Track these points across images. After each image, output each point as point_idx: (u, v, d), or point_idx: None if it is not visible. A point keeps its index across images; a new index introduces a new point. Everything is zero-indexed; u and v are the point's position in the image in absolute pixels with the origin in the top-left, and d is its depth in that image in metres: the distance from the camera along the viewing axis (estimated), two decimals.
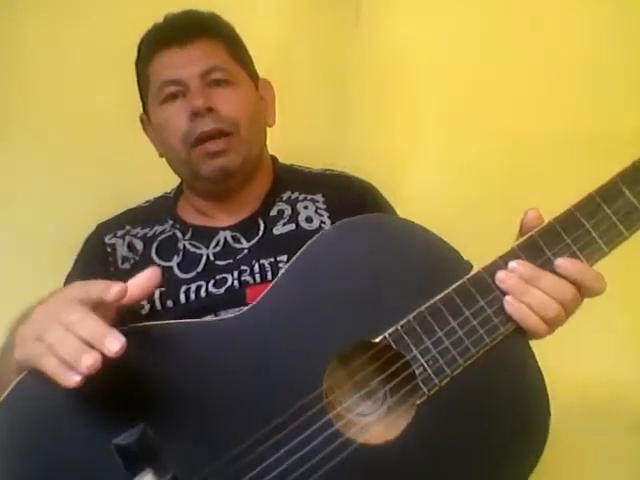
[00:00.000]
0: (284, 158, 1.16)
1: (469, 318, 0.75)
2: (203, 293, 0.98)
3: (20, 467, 0.69)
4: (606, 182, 0.78)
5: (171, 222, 1.07)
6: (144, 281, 0.73)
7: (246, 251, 1.01)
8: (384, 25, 1.38)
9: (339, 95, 1.39)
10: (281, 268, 0.98)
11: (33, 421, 0.70)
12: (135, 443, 0.62)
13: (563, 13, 1.33)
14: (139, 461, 0.62)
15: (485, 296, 0.76)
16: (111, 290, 0.69)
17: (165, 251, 1.03)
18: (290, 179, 1.10)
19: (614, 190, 0.78)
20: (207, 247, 1.02)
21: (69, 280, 1.04)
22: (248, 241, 1.02)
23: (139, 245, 1.04)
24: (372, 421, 0.77)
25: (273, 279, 0.96)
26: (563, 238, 0.77)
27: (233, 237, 1.03)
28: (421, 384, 0.74)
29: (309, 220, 1.03)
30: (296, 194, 1.07)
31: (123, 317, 0.75)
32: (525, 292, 0.75)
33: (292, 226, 1.03)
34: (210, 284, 0.98)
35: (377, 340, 0.75)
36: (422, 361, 0.74)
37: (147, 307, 0.97)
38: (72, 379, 0.65)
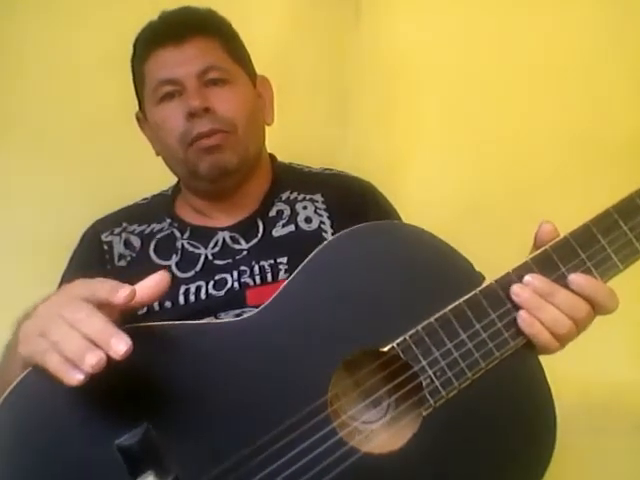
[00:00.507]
0: (284, 158, 1.16)
1: (479, 331, 0.75)
2: (203, 295, 0.97)
3: (21, 465, 0.68)
4: (624, 198, 0.77)
5: (169, 221, 1.06)
6: (153, 285, 0.71)
7: (245, 252, 1.01)
8: (384, 25, 1.38)
9: (339, 95, 1.39)
10: (281, 270, 0.97)
11: (35, 419, 0.69)
12: (137, 444, 0.62)
13: (563, 14, 1.33)
14: (141, 463, 0.62)
15: (496, 309, 0.75)
16: (119, 293, 0.67)
17: (163, 250, 1.02)
18: (289, 178, 1.10)
19: (632, 206, 0.77)
20: (206, 247, 1.02)
21: (65, 277, 1.03)
22: (247, 242, 1.02)
23: (136, 242, 1.04)
24: (376, 430, 0.77)
25: (273, 281, 0.97)
26: (578, 253, 0.76)
27: (232, 238, 1.03)
28: (428, 396, 0.73)
29: (308, 220, 1.03)
30: (295, 194, 1.06)
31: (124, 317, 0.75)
32: (539, 307, 0.74)
33: (291, 227, 1.02)
34: (210, 285, 0.98)
35: (385, 349, 0.74)
36: (430, 372, 0.74)
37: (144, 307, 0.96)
38: (75, 377, 0.64)
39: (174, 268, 1.00)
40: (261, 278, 0.97)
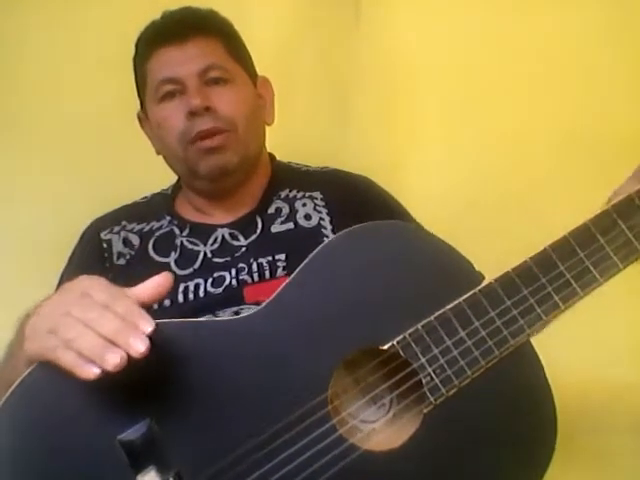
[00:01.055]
0: (285, 157, 1.16)
1: (478, 329, 0.75)
2: (202, 293, 0.97)
3: (24, 460, 0.68)
4: (623, 198, 0.77)
5: (168, 218, 1.06)
6: (155, 286, 0.71)
7: (244, 249, 1.01)
8: (384, 25, 1.38)
9: (339, 94, 1.39)
10: (279, 267, 0.98)
11: (39, 414, 0.69)
12: (139, 440, 0.62)
13: (563, 14, 1.33)
14: (143, 458, 0.62)
15: (495, 308, 0.75)
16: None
17: (162, 247, 1.02)
18: (288, 177, 1.10)
19: (631, 206, 0.77)
20: (205, 244, 1.02)
21: (65, 275, 1.04)
22: (246, 238, 1.02)
23: (135, 240, 1.04)
24: (377, 428, 0.77)
25: (271, 278, 0.97)
26: (577, 252, 0.76)
27: (231, 234, 1.03)
28: (427, 393, 0.73)
29: (308, 217, 1.03)
30: (294, 192, 1.07)
31: None
32: None
33: (290, 224, 1.03)
34: (208, 283, 0.98)
35: (385, 347, 0.74)
36: (429, 370, 0.74)
37: None
38: (92, 371, 0.63)
39: (173, 265, 1.00)
40: (259, 275, 0.98)
